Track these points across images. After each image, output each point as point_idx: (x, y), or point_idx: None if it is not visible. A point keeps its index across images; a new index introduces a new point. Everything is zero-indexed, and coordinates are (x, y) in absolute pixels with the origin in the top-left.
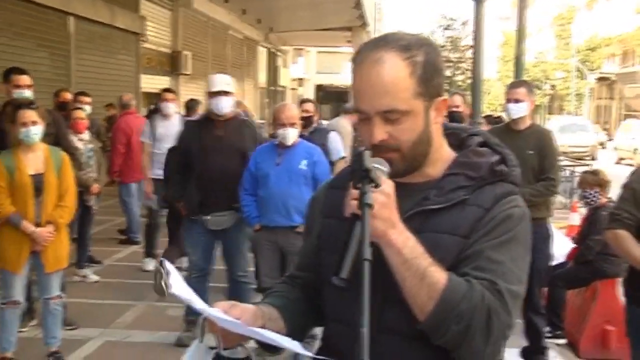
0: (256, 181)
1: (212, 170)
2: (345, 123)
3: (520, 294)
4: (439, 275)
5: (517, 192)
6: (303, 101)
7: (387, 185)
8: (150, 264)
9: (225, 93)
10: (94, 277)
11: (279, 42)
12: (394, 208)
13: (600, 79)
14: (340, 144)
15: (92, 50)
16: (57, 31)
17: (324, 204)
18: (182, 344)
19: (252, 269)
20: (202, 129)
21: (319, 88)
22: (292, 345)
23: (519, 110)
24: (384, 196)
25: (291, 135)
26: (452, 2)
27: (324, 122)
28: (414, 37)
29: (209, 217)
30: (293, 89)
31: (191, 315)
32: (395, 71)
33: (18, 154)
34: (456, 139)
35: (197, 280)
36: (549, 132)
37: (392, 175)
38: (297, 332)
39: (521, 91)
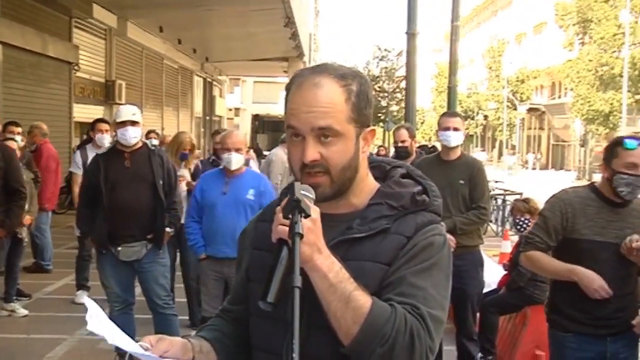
0: (202, 209)
1: (120, 202)
2: (281, 152)
3: (442, 319)
4: (364, 299)
5: (438, 222)
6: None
7: (314, 212)
8: (83, 296)
9: (132, 123)
10: (23, 312)
11: (215, 71)
12: (320, 233)
13: (531, 110)
14: (256, 170)
15: (22, 79)
16: None
17: (254, 237)
18: None
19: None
20: (109, 161)
21: (256, 117)
22: None
23: (456, 139)
24: (310, 222)
25: (235, 160)
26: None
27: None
28: (349, 69)
29: (119, 249)
30: (229, 118)
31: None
32: (332, 94)
33: None
34: (380, 172)
35: (122, 312)
36: (479, 162)
37: (319, 200)
38: None
39: (458, 120)
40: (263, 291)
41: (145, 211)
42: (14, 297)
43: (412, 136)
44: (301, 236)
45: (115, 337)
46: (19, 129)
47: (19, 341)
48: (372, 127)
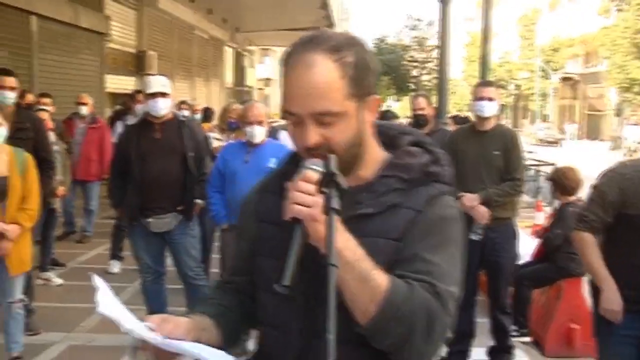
0: (224, 179)
1: (150, 174)
2: None
3: (457, 295)
4: (381, 278)
5: (450, 192)
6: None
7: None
8: (116, 266)
9: (162, 94)
10: (58, 280)
11: (245, 42)
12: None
13: (564, 79)
14: (289, 142)
15: (55, 50)
16: (19, 30)
17: (257, 208)
18: None
19: (216, 270)
20: (139, 132)
21: None
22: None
23: (491, 109)
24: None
25: (258, 133)
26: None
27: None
28: (344, 37)
29: (150, 220)
30: (260, 89)
31: None
32: (326, 73)
33: None
34: (387, 138)
35: (153, 283)
36: (514, 132)
37: None
38: (233, 339)
39: (492, 90)
40: (278, 273)
41: (175, 183)
42: (49, 266)
43: (430, 104)
44: (337, 212)
45: (123, 319)
46: (49, 100)
47: (54, 309)
48: (375, 96)
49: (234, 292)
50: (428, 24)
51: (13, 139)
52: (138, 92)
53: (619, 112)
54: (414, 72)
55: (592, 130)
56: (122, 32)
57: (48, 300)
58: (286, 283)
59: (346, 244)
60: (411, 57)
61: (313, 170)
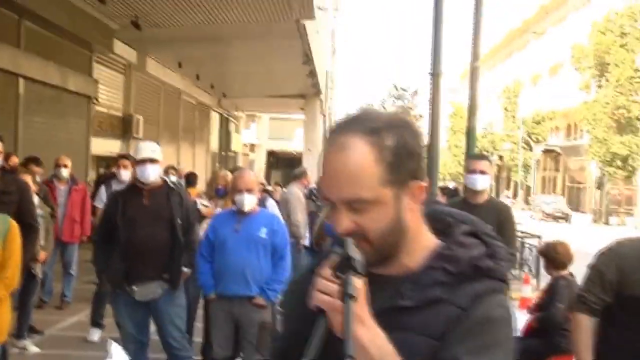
0: (213, 248)
1: (137, 241)
2: (296, 190)
3: None
4: None
5: (502, 291)
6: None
7: (359, 280)
8: (96, 335)
9: (151, 160)
10: (34, 349)
11: (232, 107)
12: (364, 302)
13: (546, 151)
14: (277, 210)
15: (42, 113)
16: (6, 91)
17: (308, 288)
18: None
19: (199, 339)
20: (127, 198)
21: (271, 154)
22: None
23: (484, 182)
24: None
25: (248, 201)
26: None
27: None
28: (387, 118)
29: (135, 288)
30: (245, 154)
31: None
32: (359, 157)
33: None
34: (443, 226)
35: (135, 353)
36: (508, 206)
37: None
38: None
39: (485, 163)
40: None
41: (163, 250)
42: (26, 334)
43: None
44: (353, 298)
45: None
46: (40, 170)
47: None
48: (419, 182)
49: None
50: (413, 93)
51: None
52: (122, 156)
53: (599, 186)
54: None
55: (572, 202)
56: (109, 96)
57: None
58: None
59: (373, 339)
60: None
61: (354, 252)
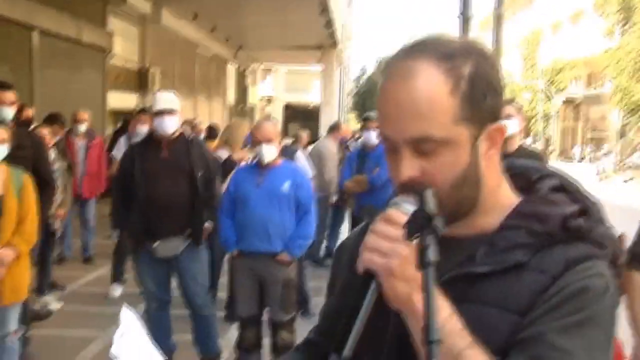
0: (235, 203)
1: (157, 195)
2: (330, 143)
3: None
4: None
5: (600, 257)
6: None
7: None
8: (117, 290)
9: (169, 112)
10: (56, 305)
11: (248, 60)
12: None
13: (566, 102)
14: (306, 162)
15: (57, 66)
16: (19, 45)
17: (354, 254)
18: None
19: (224, 295)
20: (145, 151)
21: (287, 107)
22: None
23: (512, 127)
24: (409, 248)
25: (267, 152)
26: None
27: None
28: (462, 43)
29: (155, 245)
30: (262, 107)
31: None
32: (430, 87)
33: None
34: (525, 182)
35: (157, 310)
36: (541, 154)
37: None
38: None
39: (511, 107)
40: (338, 342)
41: (183, 205)
42: (48, 290)
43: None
44: (435, 266)
45: None
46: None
47: (52, 338)
48: (499, 124)
49: (316, 357)
50: None
51: (11, 158)
52: (141, 111)
53: (622, 135)
54: None
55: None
56: (124, 49)
57: (46, 327)
58: (347, 355)
59: (437, 311)
60: None
61: (399, 209)
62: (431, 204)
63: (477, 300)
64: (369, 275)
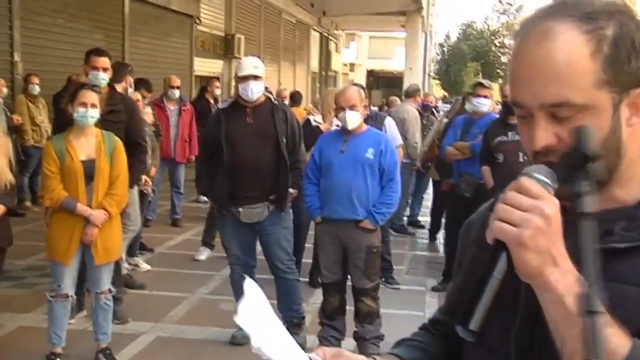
0: (319, 169)
1: (242, 160)
2: (411, 108)
3: None
4: (618, 342)
5: None
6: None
7: (550, 205)
8: (204, 254)
9: (255, 77)
10: (146, 266)
11: (332, 26)
12: (558, 238)
13: None
14: (396, 129)
15: (146, 33)
16: (112, 13)
17: (482, 229)
18: (236, 343)
19: (308, 261)
20: (231, 116)
21: (370, 73)
22: None
23: None
24: (542, 218)
25: (350, 118)
26: None
27: (375, 108)
28: (605, 3)
29: (240, 210)
30: (345, 74)
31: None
32: (569, 48)
33: (69, 139)
34: None
35: (242, 274)
36: None
37: None
38: None
39: None
40: (463, 313)
41: (268, 170)
42: (137, 251)
43: None
44: (594, 218)
45: (266, 338)
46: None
47: (142, 297)
48: None
49: (442, 337)
50: (518, 8)
51: (104, 121)
52: (217, 78)
53: None
54: (503, 59)
55: None
56: (211, 15)
57: (136, 287)
58: (473, 327)
59: (570, 288)
60: (500, 42)
61: (532, 178)
62: (591, 143)
63: (615, 277)
64: (499, 247)
